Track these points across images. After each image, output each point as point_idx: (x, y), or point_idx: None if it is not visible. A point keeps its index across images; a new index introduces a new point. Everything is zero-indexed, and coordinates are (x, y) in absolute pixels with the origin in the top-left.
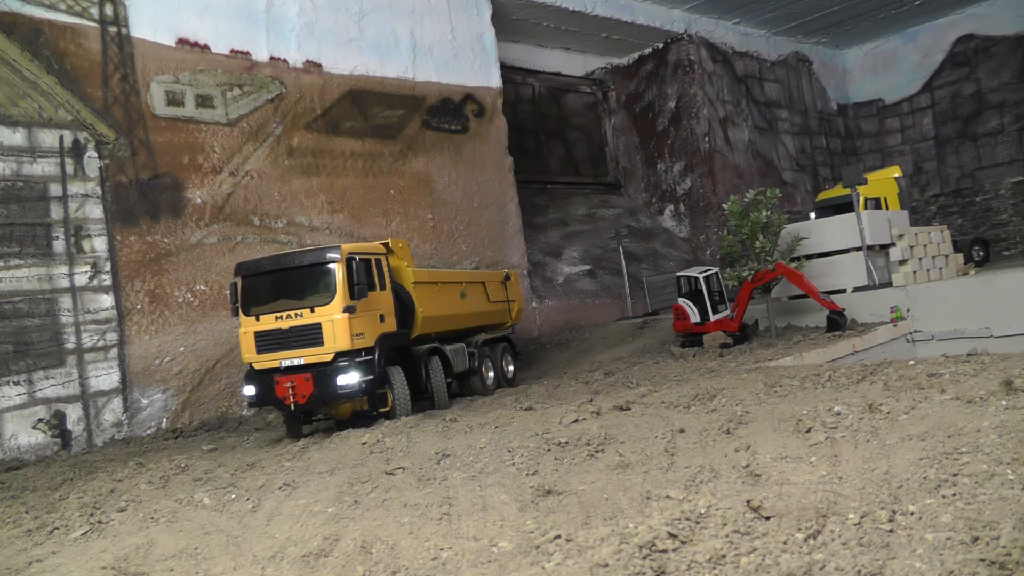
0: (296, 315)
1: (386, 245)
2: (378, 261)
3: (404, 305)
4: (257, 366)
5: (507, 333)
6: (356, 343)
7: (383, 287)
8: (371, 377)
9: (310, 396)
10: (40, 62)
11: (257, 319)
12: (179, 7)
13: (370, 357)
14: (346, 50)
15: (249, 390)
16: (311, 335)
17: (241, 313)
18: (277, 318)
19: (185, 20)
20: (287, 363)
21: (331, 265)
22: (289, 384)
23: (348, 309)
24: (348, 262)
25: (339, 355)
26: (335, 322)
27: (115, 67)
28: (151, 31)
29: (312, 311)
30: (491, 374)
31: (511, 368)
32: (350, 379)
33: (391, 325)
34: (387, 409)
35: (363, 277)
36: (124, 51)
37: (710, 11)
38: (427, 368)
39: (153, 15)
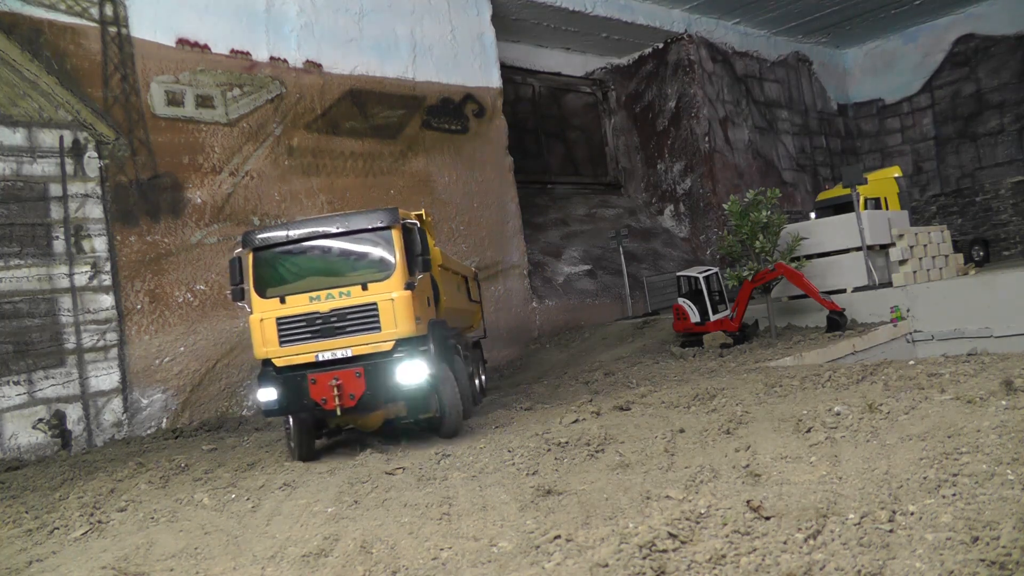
0: (342, 294)
1: (420, 217)
2: (423, 232)
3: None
4: (279, 362)
5: (479, 338)
6: (417, 329)
7: (428, 267)
8: (434, 372)
9: (361, 397)
10: (40, 62)
11: (282, 301)
12: (179, 7)
13: (427, 347)
14: (346, 50)
15: (268, 394)
16: (363, 319)
17: (254, 295)
18: (312, 299)
19: (185, 20)
20: (326, 356)
21: (388, 231)
22: (334, 383)
23: (409, 286)
24: (406, 228)
25: (399, 343)
26: (396, 301)
27: (115, 67)
28: (151, 31)
29: (365, 288)
30: (478, 381)
31: (483, 377)
32: (416, 373)
33: (433, 312)
34: (430, 416)
35: (425, 247)
36: (124, 51)
37: (710, 11)
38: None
39: (153, 15)
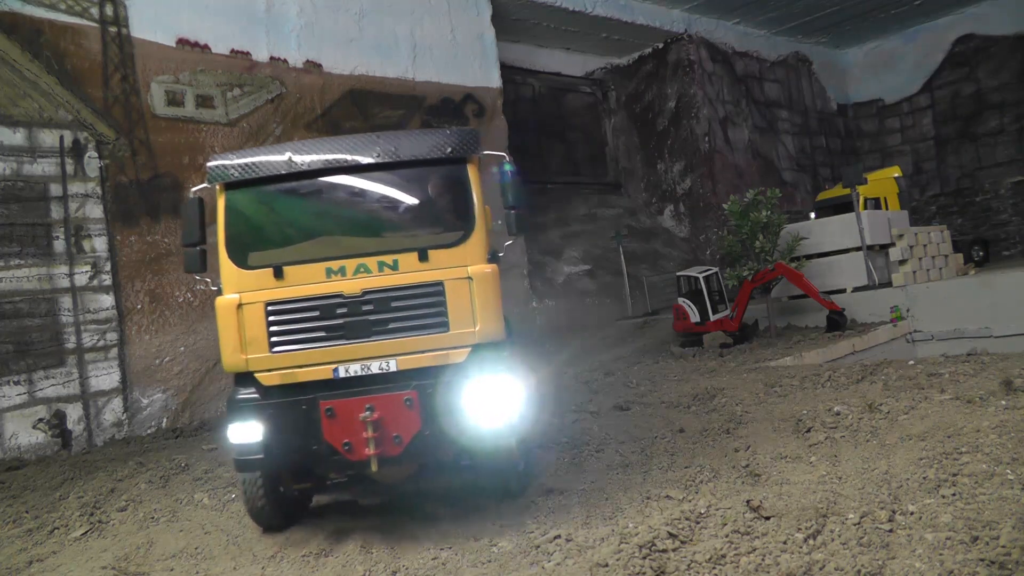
0: (382, 266)
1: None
2: (516, 175)
3: None
4: (269, 379)
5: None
6: (499, 329)
7: (525, 224)
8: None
9: (412, 440)
10: (40, 62)
11: (277, 274)
12: (179, 7)
13: (508, 358)
14: (346, 50)
15: (245, 434)
16: (419, 309)
17: (226, 262)
18: (331, 272)
19: (185, 20)
20: (352, 370)
21: (463, 167)
22: (368, 415)
23: (495, 257)
24: (486, 166)
25: (476, 351)
26: (477, 281)
27: (115, 67)
28: (151, 31)
29: (423, 258)
30: None
31: None
32: (510, 402)
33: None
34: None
35: (522, 197)
36: (124, 51)
37: (710, 11)
38: None
39: (153, 15)
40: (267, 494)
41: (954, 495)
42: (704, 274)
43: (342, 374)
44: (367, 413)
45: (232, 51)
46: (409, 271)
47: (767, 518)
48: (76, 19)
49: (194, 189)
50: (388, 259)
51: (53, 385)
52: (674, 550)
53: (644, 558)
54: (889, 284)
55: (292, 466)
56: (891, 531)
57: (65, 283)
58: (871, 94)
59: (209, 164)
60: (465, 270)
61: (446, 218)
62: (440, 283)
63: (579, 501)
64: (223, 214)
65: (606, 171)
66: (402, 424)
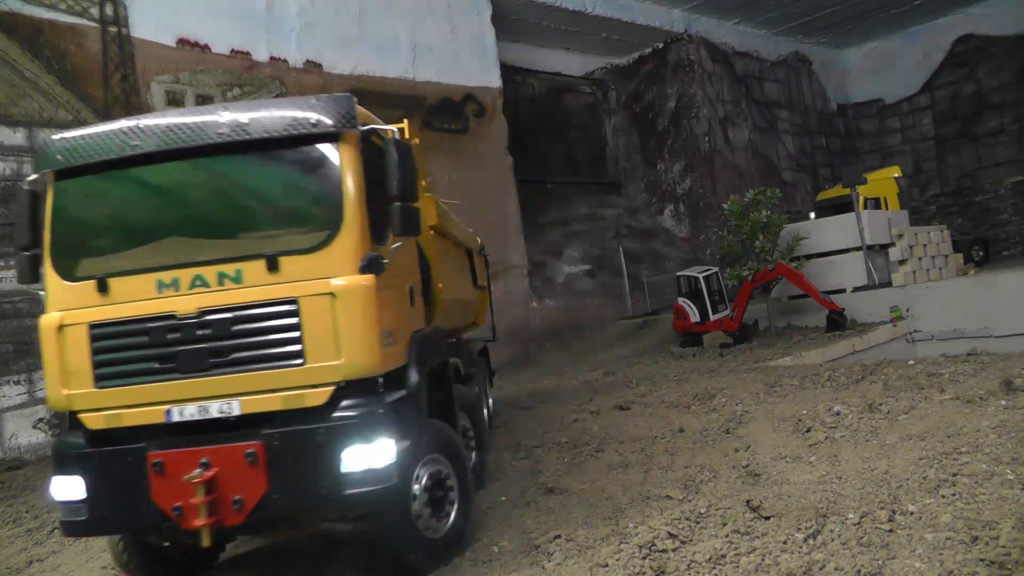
0: (223, 278)
1: (402, 132)
2: (410, 153)
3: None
4: (94, 421)
5: (486, 342)
6: (386, 359)
7: (415, 222)
8: (411, 450)
9: (258, 504)
10: (40, 62)
11: (101, 289)
12: (179, 7)
13: (405, 392)
14: (346, 50)
15: (72, 489)
16: (266, 336)
17: (51, 272)
18: (164, 285)
19: (185, 20)
20: (187, 412)
21: (332, 144)
22: (199, 474)
23: (374, 264)
24: (373, 141)
25: (343, 389)
26: (342, 298)
27: (115, 67)
28: (151, 31)
29: (272, 267)
30: (485, 411)
31: (490, 401)
32: (377, 455)
33: (421, 313)
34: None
35: (412, 184)
36: (124, 51)
37: (710, 11)
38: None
39: (153, 15)
40: (138, 553)
41: (954, 495)
42: (704, 274)
43: (175, 417)
44: (199, 470)
45: (232, 51)
46: (255, 284)
47: (767, 518)
48: (76, 19)
49: (28, 179)
50: (230, 269)
51: None
52: (674, 550)
53: (644, 558)
54: (889, 284)
55: (123, 530)
56: (891, 531)
57: None
58: (871, 94)
59: (39, 147)
60: (327, 283)
61: (307, 214)
62: (293, 300)
63: (579, 501)
64: (48, 210)
65: (606, 171)
66: (244, 485)
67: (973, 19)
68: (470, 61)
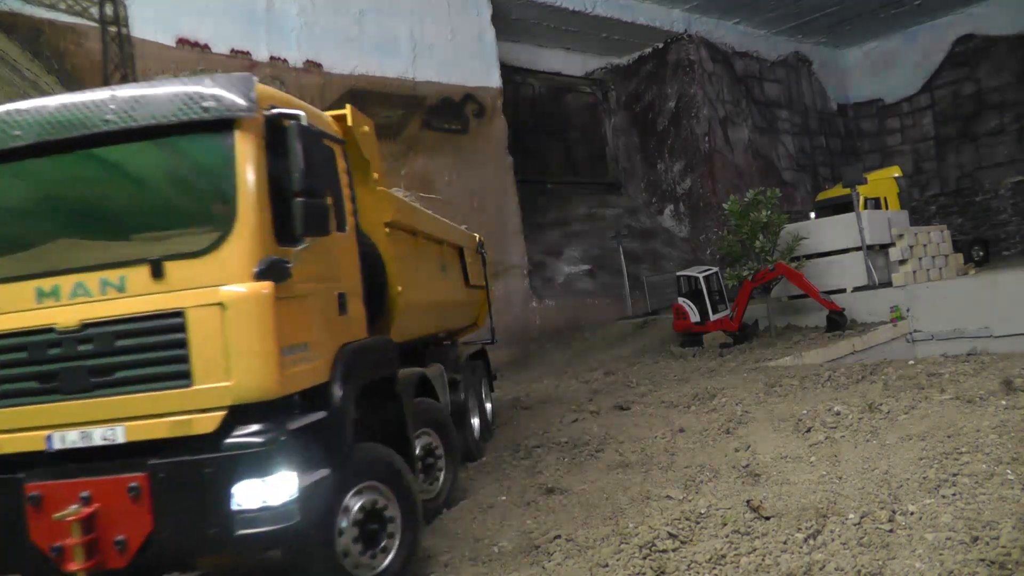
0: (106, 286)
1: (341, 120)
2: (331, 153)
3: (368, 274)
4: None
5: (482, 344)
6: (290, 378)
7: (343, 223)
8: (326, 481)
9: (143, 545)
10: (40, 62)
11: None
12: (179, 7)
13: (322, 416)
14: (346, 50)
15: None
16: (151, 351)
17: None
18: (42, 295)
19: (185, 20)
20: (69, 440)
21: (227, 134)
22: (76, 510)
23: (273, 269)
24: (276, 127)
25: (238, 413)
26: (232, 309)
27: (115, 67)
28: (151, 31)
29: (157, 273)
30: (477, 420)
31: (489, 406)
32: (274, 490)
33: (359, 322)
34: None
35: (323, 177)
36: (124, 51)
37: (710, 11)
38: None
39: (153, 15)
40: None
41: (954, 495)
42: (704, 274)
43: (57, 445)
44: (76, 506)
45: (232, 51)
46: (139, 293)
47: (767, 518)
48: (76, 19)
49: None
50: (113, 276)
51: None
52: (674, 550)
53: (644, 558)
54: (889, 284)
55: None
56: (891, 531)
57: None
58: (871, 94)
59: None
60: (215, 292)
61: (199, 212)
62: (179, 312)
63: (579, 501)
64: None
65: (606, 171)
66: (127, 523)
67: (973, 19)
68: (470, 61)
